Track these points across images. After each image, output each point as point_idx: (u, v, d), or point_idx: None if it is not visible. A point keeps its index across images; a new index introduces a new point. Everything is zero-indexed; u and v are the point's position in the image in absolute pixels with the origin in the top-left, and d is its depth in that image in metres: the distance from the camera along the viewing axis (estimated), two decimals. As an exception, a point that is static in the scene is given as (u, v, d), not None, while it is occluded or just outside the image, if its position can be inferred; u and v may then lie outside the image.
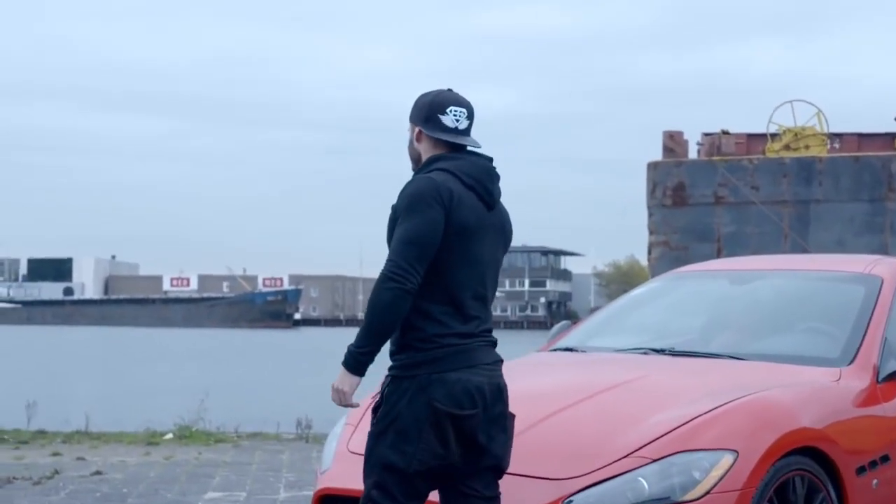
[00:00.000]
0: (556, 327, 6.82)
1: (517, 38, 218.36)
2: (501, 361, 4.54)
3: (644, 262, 43.39)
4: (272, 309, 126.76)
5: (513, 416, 4.52)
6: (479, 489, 4.45)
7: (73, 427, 13.41)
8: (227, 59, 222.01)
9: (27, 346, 60.16)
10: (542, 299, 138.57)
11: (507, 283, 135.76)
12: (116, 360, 46.85)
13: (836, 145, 33.95)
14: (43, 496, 8.70)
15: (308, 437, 12.63)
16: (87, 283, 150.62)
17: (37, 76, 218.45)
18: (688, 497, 4.65)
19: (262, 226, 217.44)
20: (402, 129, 4.63)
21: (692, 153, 34.96)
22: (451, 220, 4.36)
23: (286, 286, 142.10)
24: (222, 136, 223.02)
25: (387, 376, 4.44)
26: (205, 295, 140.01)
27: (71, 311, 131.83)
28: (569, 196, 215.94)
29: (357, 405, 4.47)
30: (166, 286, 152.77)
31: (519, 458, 4.69)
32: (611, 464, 4.73)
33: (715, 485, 4.69)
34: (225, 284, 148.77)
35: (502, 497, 4.55)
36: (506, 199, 4.62)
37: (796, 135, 33.28)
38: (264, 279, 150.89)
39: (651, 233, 33.82)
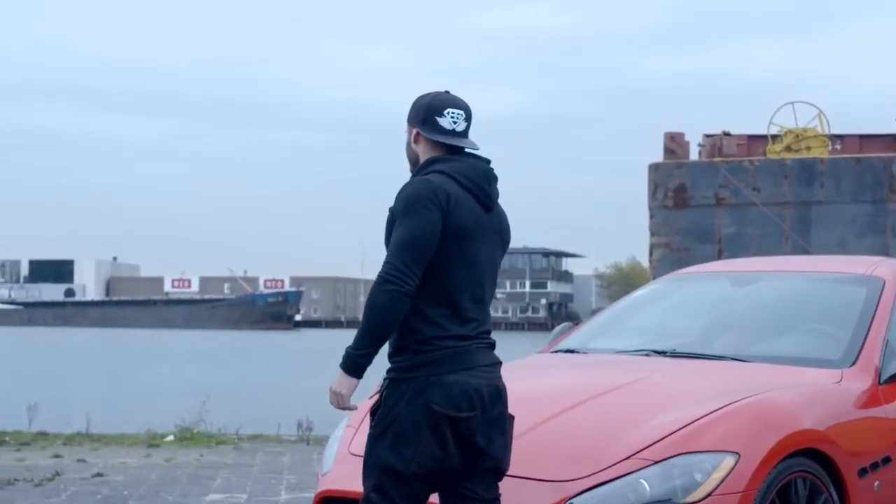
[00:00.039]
0: (558, 329, 6.81)
1: (517, 39, 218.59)
2: (500, 363, 4.53)
3: (645, 263, 43.41)
4: (273, 310, 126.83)
5: (512, 418, 4.52)
6: (478, 491, 4.44)
7: (74, 429, 13.40)
8: (228, 60, 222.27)
9: (28, 348, 60.19)
10: (544, 301, 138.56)
11: (507, 284, 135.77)
12: (117, 361, 46.87)
13: (838, 146, 33.96)
14: (44, 498, 8.69)
15: (309, 439, 12.63)
16: (88, 284, 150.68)
17: (37, 76, 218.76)
18: (689, 499, 4.64)
19: (262, 227, 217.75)
20: (403, 130, 4.63)
21: (693, 154, 34.96)
22: (449, 222, 4.36)
23: (287, 288, 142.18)
24: (223, 137, 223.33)
25: (385, 379, 4.44)
26: (206, 296, 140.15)
27: (72, 312, 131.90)
28: (569, 197, 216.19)
29: (355, 408, 4.47)
30: (167, 288, 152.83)
31: (520, 460, 4.69)
32: (612, 466, 4.72)
33: (717, 487, 4.68)
34: (226, 286, 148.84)
35: (504, 499, 4.55)
36: (506, 200, 4.62)
37: (797, 136, 33.28)
38: (265, 281, 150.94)
39: (652, 234, 33.82)
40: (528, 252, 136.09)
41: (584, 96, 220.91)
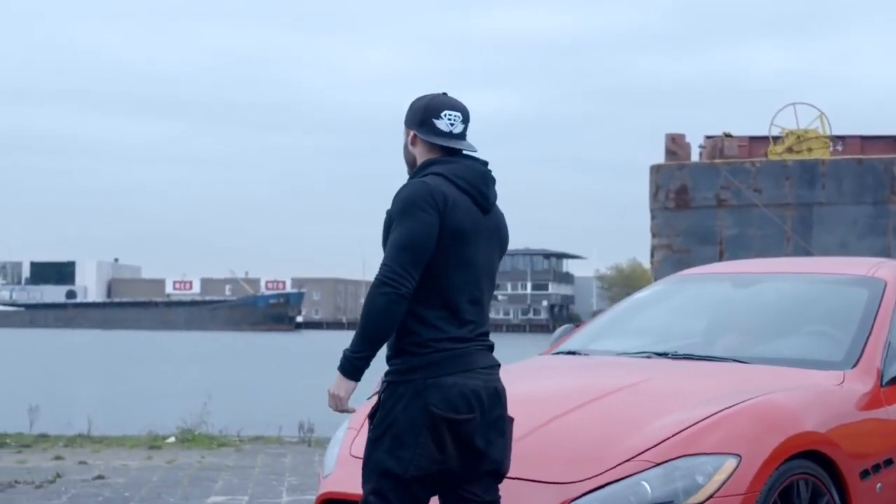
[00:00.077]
0: (559, 330, 6.81)
1: (518, 40, 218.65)
2: (499, 365, 4.53)
3: (646, 264, 43.40)
4: (274, 312, 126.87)
5: (511, 420, 4.51)
6: (478, 494, 4.43)
7: (76, 431, 13.39)
8: (228, 61, 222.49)
9: (30, 350, 60.19)
10: (545, 302, 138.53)
11: (509, 286, 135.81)
12: (119, 363, 46.89)
13: (839, 148, 33.96)
14: (45, 500, 8.69)
15: (310, 441, 12.62)
16: (89, 286, 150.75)
17: (38, 78, 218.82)
18: (691, 501, 4.63)
19: (264, 228, 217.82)
20: (401, 132, 4.63)
21: (694, 156, 34.96)
22: (446, 224, 4.36)
23: (288, 289, 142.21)
24: (224, 138, 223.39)
25: (383, 381, 4.44)
26: (207, 298, 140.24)
27: (73, 314, 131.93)
28: (570, 198, 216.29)
29: (354, 410, 4.47)
30: (169, 289, 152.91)
31: (521, 461, 4.68)
32: (614, 468, 4.71)
33: (718, 489, 4.67)
34: (227, 287, 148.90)
35: (506, 501, 4.54)
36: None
37: (799, 137, 33.27)
38: (267, 282, 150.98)
39: (653, 235, 33.82)
40: (529, 253, 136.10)
41: (585, 97, 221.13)
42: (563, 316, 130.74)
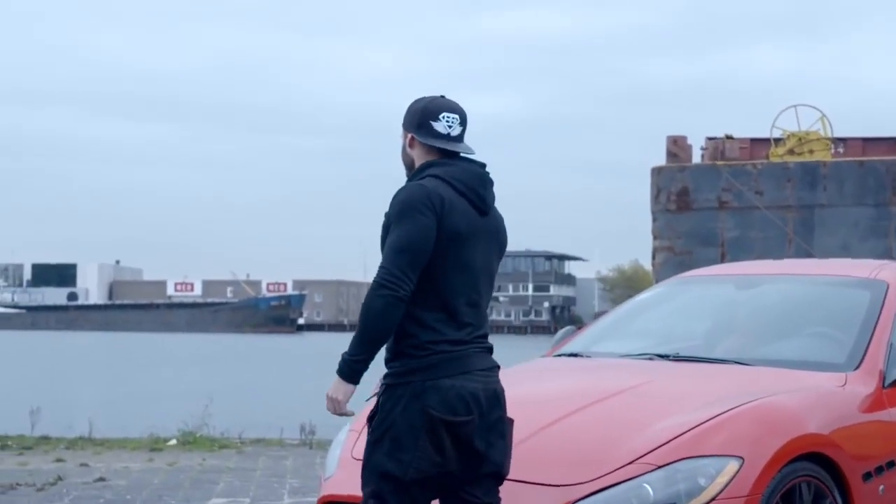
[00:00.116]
0: (561, 332, 6.80)
1: (519, 42, 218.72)
2: (498, 367, 4.53)
3: (648, 266, 43.38)
4: (276, 314, 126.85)
5: (511, 422, 4.51)
6: (479, 496, 4.43)
7: (77, 433, 13.38)
8: (229, 64, 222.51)
9: (31, 352, 60.22)
10: (546, 304, 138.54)
11: (510, 287, 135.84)
12: (120, 365, 46.89)
13: (841, 150, 33.94)
14: (46, 502, 8.69)
15: (312, 443, 12.61)
16: (91, 288, 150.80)
17: (39, 81, 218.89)
18: (693, 503, 4.63)
19: (265, 230, 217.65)
20: (398, 134, 4.63)
21: (696, 158, 34.95)
22: (443, 227, 4.36)
23: (290, 291, 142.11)
24: (225, 141, 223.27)
25: (382, 384, 4.43)
26: (209, 300, 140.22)
27: (75, 316, 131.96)
28: (572, 200, 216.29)
29: (352, 413, 4.47)
30: (170, 291, 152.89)
31: (523, 464, 4.68)
32: (616, 470, 4.71)
33: (720, 491, 4.67)
34: (229, 289, 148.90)
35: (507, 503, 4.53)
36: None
37: (800, 139, 33.26)
38: (268, 284, 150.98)
39: (655, 237, 33.81)
40: (530, 255, 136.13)
41: (587, 99, 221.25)
42: (565, 318, 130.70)
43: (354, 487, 4.84)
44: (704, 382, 5.45)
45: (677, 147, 34.16)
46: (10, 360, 48.85)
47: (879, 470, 5.29)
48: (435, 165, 4.48)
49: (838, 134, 34.11)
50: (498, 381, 4.48)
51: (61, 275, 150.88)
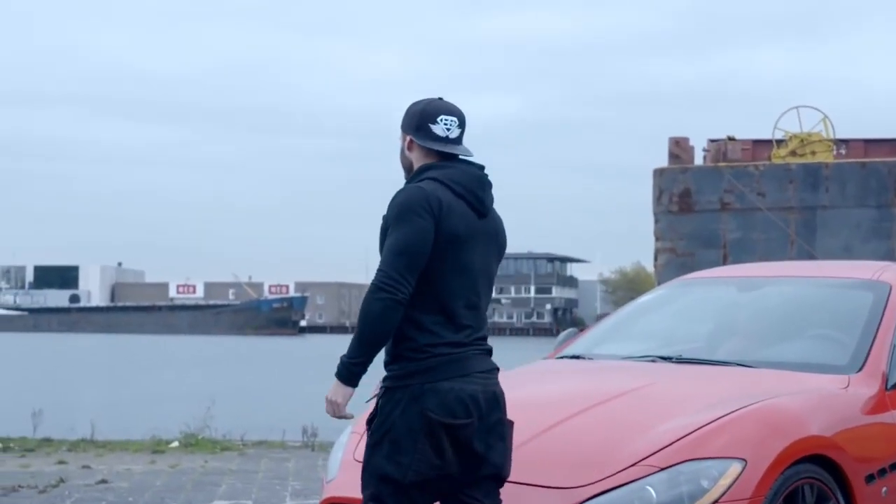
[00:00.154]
0: (563, 335, 6.80)
1: (520, 43, 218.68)
2: (497, 369, 4.52)
3: (650, 268, 43.34)
4: (278, 316, 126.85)
5: (511, 424, 4.50)
6: (480, 498, 4.43)
7: (79, 435, 13.39)
8: (231, 65, 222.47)
9: (33, 354, 60.21)
10: (548, 306, 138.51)
11: (512, 289, 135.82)
12: (122, 367, 46.88)
13: (843, 151, 33.91)
14: (48, 505, 8.69)
15: (314, 445, 12.61)
16: (93, 290, 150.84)
17: (41, 83, 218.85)
18: (696, 506, 4.62)
19: (267, 233, 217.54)
20: (397, 137, 4.63)
21: (698, 159, 34.93)
22: (441, 229, 4.36)
23: (292, 293, 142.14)
24: (227, 143, 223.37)
25: (381, 387, 4.43)
26: (211, 302, 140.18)
27: (77, 318, 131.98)
28: (574, 202, 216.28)
29: (351, 416, 4.47)
30: (172, 293, 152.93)
31: (525, 466, 4.67)
32: (618, 472, 4.70)
33: (723, 493, 4.66)
34: (231, 291, 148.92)
35: (509, 506, 4.53)
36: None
37: (802, 141, 33.24)
38: (270, 286, 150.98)
39: (657, 239, 33.77)
40: (532, 257, 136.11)
41: (588, 101, 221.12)
42: (567, 320, 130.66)
43: (356, 490, 4.83)
44: (707, 384, 5.44)
45: (679, 148, 34.15)
46: (12, 362, 48.86)
47: (882, 472, 5.29)
48: (433, 168, 4.48)
49: (840, 135, 34.09)
50: (497, 384, 4.48)
51: (63, 277, 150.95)
